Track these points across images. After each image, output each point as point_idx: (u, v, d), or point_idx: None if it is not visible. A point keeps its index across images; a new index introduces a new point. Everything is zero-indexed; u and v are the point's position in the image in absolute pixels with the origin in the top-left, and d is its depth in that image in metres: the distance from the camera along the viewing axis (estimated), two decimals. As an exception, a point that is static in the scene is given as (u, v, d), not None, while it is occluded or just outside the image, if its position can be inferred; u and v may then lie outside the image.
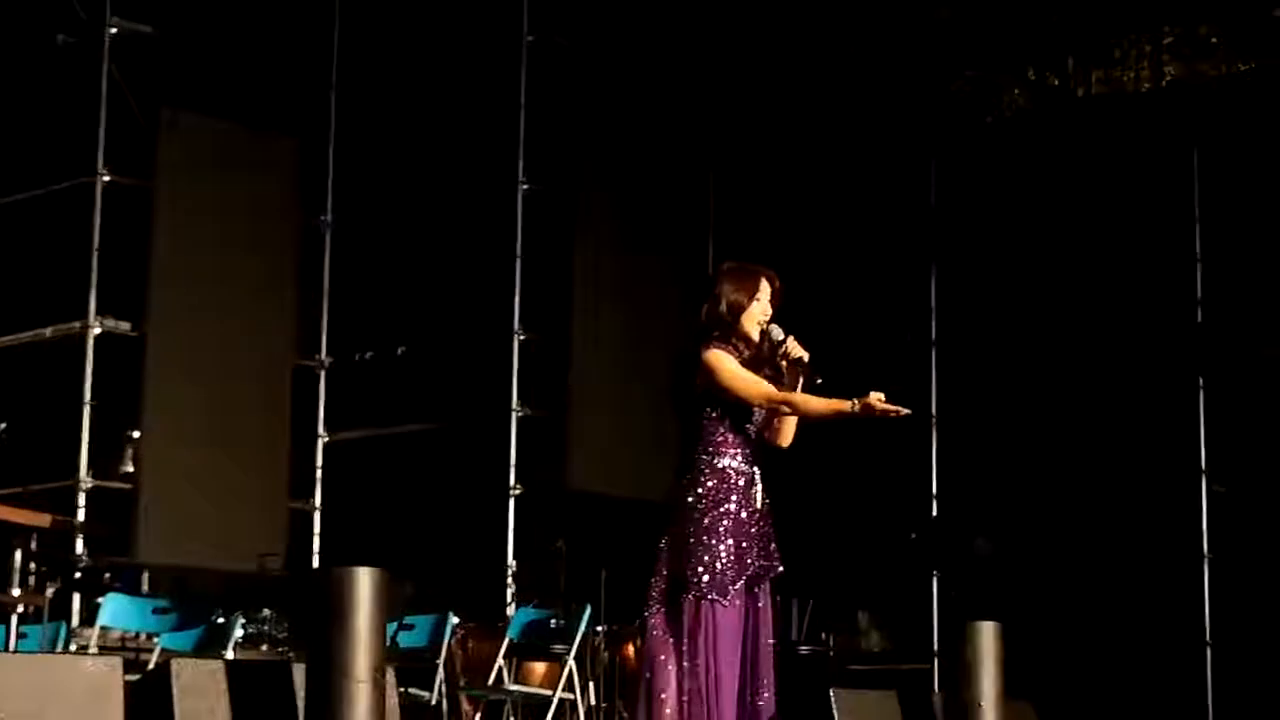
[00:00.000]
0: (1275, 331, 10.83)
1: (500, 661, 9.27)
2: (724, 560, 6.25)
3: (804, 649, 10.63)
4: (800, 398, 6.33)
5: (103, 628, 9.10)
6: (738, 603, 6.26)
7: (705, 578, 6.20)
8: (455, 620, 9.22)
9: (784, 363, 6.37)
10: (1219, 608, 10.79)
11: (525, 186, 11.35)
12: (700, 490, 6.30)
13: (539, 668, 9.48)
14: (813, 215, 12.25)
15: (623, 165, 11.59)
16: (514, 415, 11.13)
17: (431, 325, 11.82)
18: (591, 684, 9.28)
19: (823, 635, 10.85)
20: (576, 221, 11.34)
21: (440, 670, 9.01)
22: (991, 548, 11.57)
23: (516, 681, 9.36)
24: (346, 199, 11.69)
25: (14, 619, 8.26)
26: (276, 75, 11.39)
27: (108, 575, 9.83)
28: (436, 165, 11.84)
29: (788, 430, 6.48)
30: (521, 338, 11.22)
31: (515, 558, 10.88)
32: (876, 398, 6.26)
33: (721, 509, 6.28)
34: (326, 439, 11.59)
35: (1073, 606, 10.99)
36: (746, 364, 6.36)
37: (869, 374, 12.01)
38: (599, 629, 9.48)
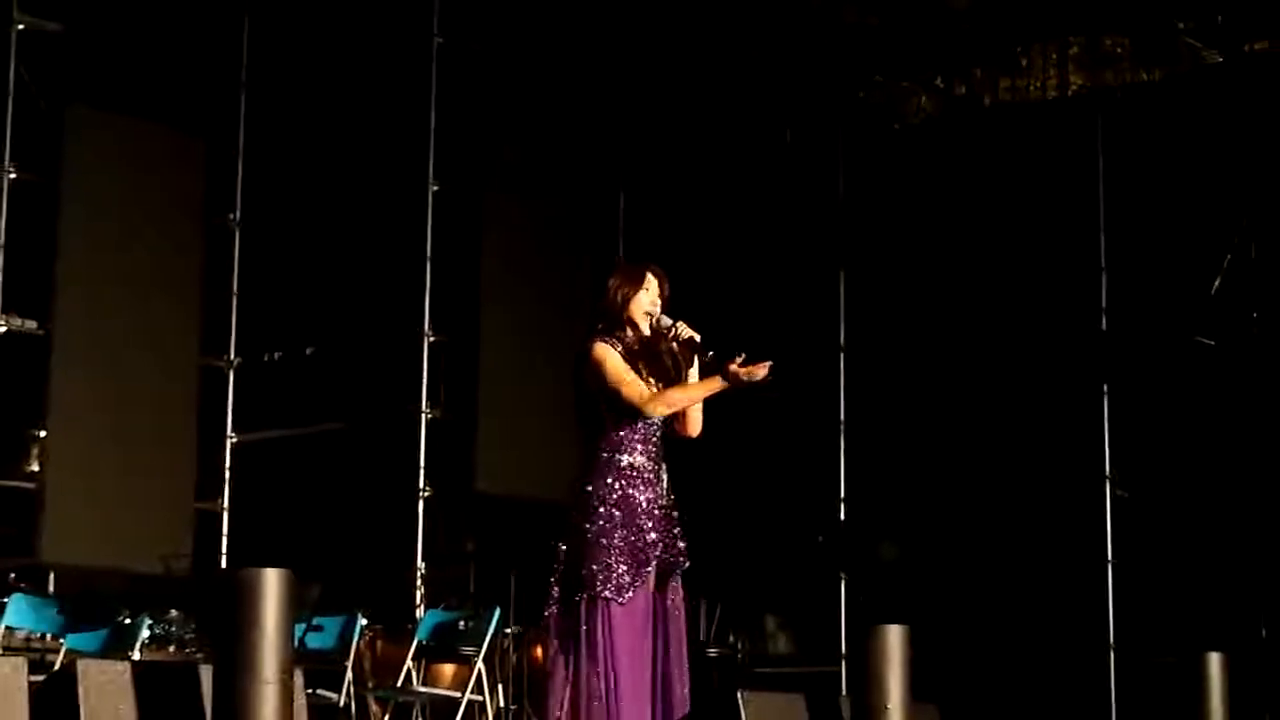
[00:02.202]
0: (1181, 337, 10.92)
1: (409, 663, 9.23)
2: (621, 559, 6.20)
3: (712, 651, 10.65)
4: (672, 394, 6.30)
5: (7, 628, 9.01)
6: (639, 602, 6.25)
7: (600, 577, 6.16)
8: (364, 622, 9.19)
9: (676, 345, 6.36)
10: (1122, 611, 10.87)
11: (435, 188, 11.31)
12: (599, 489, 6.25)
13: (448, 670, 9.45)
14: (722, 220, 12.27)
15: (532, 167, 11.58)
16: (423, 417, 11.11)
17: (340, 326, 11.79)
18: (500, 685, 9.25)
19: (730, 638, 10.87)
20: (486, 223, 11.33)
21: (348, 672, 8.97)
22: (898, 551, 11.63)
23: (425, 683, 9.34)
24: (255, 198, 11.62)
25: (-83, 620, 8.17)
26: (185, 74, 11.32)
27: (12, 575, 9.74)
28: (346, 165, 11.80)
29: (694, 420, 6.47)
30: (431, 339, 11.19)
31: (424, 560, 10.85)
32: (734, 366, 6.26)
33: (620, 508, 6.24)
34: (234, 439, 11.51)
35: (978, 610, 11.05)
36: (638, 353, 6.35)
37: (777, 377, 12.12)
38: (508, 630, 9.44)
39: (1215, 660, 7.12)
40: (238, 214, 11.54)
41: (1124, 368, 11.13)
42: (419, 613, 10.15)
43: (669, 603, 6.30)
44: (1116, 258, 11.26)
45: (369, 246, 11.68)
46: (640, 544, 6.24)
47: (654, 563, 6.24)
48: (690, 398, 6.35)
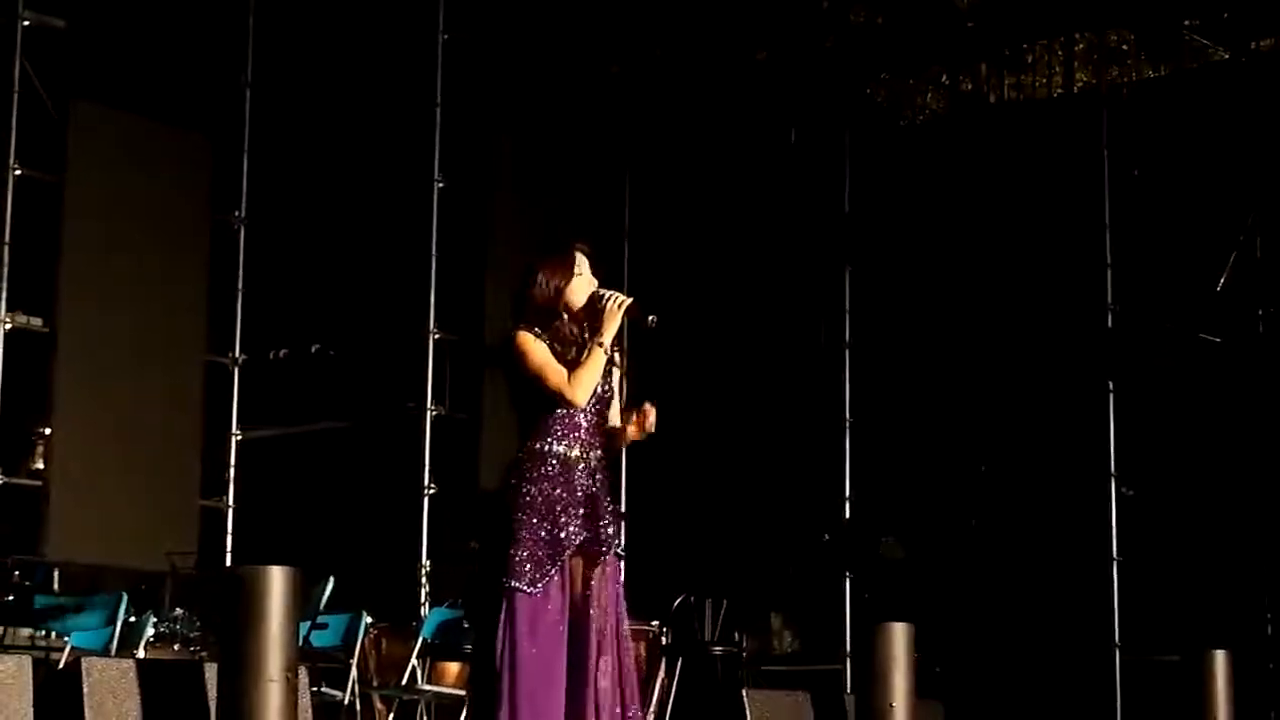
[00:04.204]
0: (1186, 334, 10.92)
1: (414, 661, 9.23)
2: (535, 548, 6.19)
3: (717, 649, 10.64)
4: (580, 375, 6.17)
5: (11, 626, 9.03)
6: (553, 592, 6.25)
7: (514, 566, 6.12)
8: (369, 620, 9.19)
9: (612, 305, 6.23)
10: (1127, 609, 10.87)
11: (440, 184, 11.33)
12: (521, 478, 6.19)
13: (452, 668, 9.45)
14: (728, 218, 12.28)
15: (539, 164, 11.58)
16: (428, 414, 11.12)
17: (346, 323, 11.80)
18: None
19: (735, 636, 10.86)
20: (492, 220, 11.33)
21: (353, 670, 8.98)
22: (903, 550, 11.63)
23: (430, 681, 9.34)
24: (261, 196, 11.63)
25: (-77, 618, 8.20)
26: (190, 71, 11.32)
27: (17, 573, 9.75)
28: (351, 163, 11.82)
29: (628, 433, 6.46)
30: (436, 337, 11.20)
31: (429, 558, 10.87)
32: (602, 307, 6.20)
33: (539, 496, 6.18)
34: (240, 437, 11.51)
35: (983, 608, 11.06)
36: (573, 341, 6.25)
37: (781, 377, 12.15)
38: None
39: (1220, 658, 7.14)
40: (243, 211, 11.55)
41: (1129, 365, 11.14)
42: (424, 610, 10.16)
43: (589, 588, 6.29)
44: (1122, 255, 11.27)
45: (374, 244, 11.70)
46: (553, 534, 6.19)
47: (569, 553, 6.16)
48: (593, 369, 6.21)
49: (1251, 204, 10.95)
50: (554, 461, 6.26)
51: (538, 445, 6.27)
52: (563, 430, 6.29)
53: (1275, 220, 10.89)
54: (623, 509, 6.52)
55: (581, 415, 6.28)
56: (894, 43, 12.22)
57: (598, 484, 6.33)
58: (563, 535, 6.22)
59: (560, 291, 6.30)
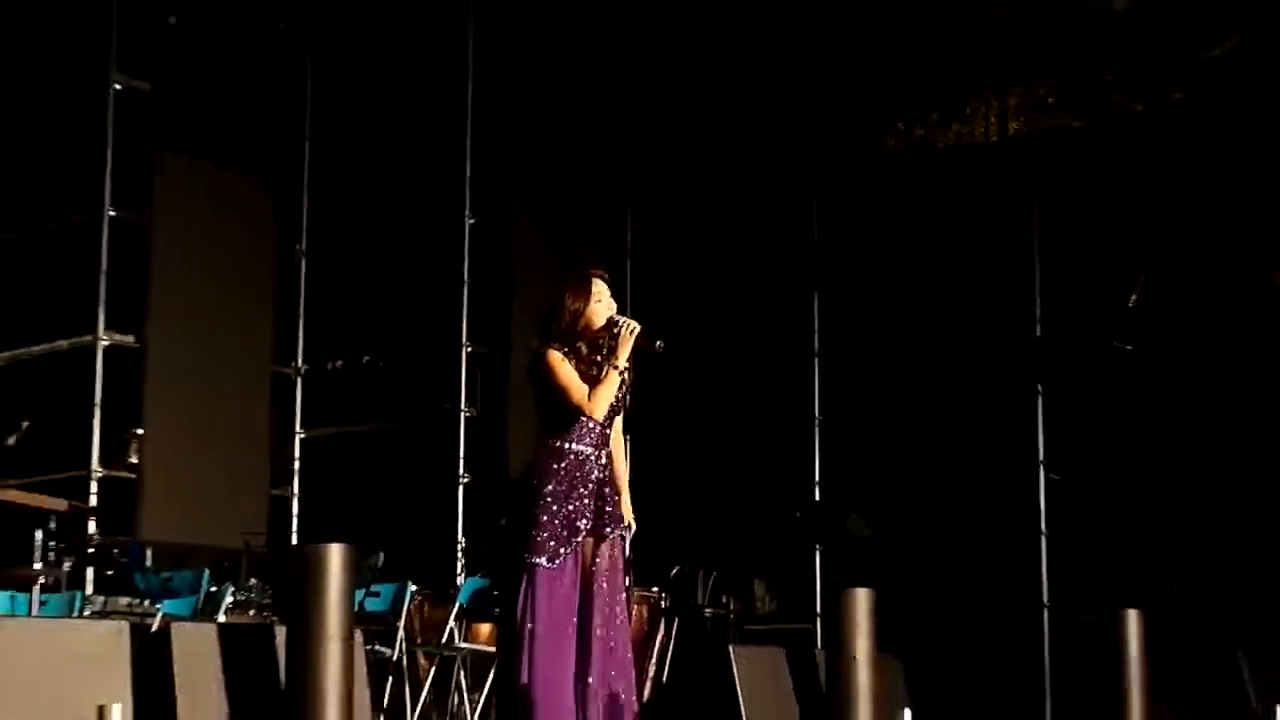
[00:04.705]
0: (1103, 343, 10.90)
1: (451, 623, 9.22)
2: (554, 529, 6.23)
3: (707, 611, 10.63)
4: (599, 393, 6.26)
5: (112, 596, 9.03)
6: (568, 566, 6.23)
7: (536, 545, 6.20)
8: (413, 589, 9.19)
9: (615, 339, 6.32)
10: (1055, 577, 10.87)
11: (471, 221, 11.35)
12: (547, 470, 6.28)
13: (484, 628, 9.44)
14: (715, 244, 12.27)
15: (553, 204, 11.59)
16: (462, 415, 11.12)
17: (392, 338, 11.79)
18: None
19: (723, 600, 10.85)
20: (514, 251, 11.33)
21: (400, 631, 8.97)
22: (866, 526, 11.61)
23: (465, 640, 9.33)
24: (319, 231, 11.65)
25: (36, 589, 8.18)
26: (258, 126, 11.34)
27: (116, 551, 9.74)
28: (395, 202, 11.82)
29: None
30: (468, 350, 11.21)
31: (464, 536, 10.86)
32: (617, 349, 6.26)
33: (558, 487, 6.26)
34: (303, 435, 11.51)
35: (934, 575, 11.05)
36: (591, 360, 6.31)
37: (761, 381, 12.14)
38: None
39: (1133, 616, 7.13)
40: (303, 244, 11.57)
41: (1055, 369, 11.13)
42: (460, 580, 10.16)
43: (595, 562, 6.28)
44: (1049, 277, 11.27)
45: (415, 271, 11.70)
46: (574, 517, 6.25)
47: (583, 531, 6.24)
48: (609, 387, 6.29)
49: (1158, 233, 10.92)
50: (571, 457, 6.30)
51: (558, 443, 6.30)
52: (580, 432, 6.32)
53: (1177, 247, 10.86)
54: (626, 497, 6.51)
55: (602, 420, 6.31)
56: (856, 93, 12.20)
57: (607, 474, 6.36)
58: (577, 520, 6.24)
59: (580, 313, 6.35)
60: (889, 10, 11.78)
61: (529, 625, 6.13)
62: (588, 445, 6.30)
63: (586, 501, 6.26)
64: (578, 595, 6.22)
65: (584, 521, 6.24)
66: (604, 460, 6.34)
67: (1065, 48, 11.49)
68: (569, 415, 6.28)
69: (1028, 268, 11.26)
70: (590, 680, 6.18)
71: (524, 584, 6.18)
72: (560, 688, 6.15)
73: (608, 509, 6.29)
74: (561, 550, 6.21)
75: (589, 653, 6.18)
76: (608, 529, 6.28)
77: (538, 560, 6.17)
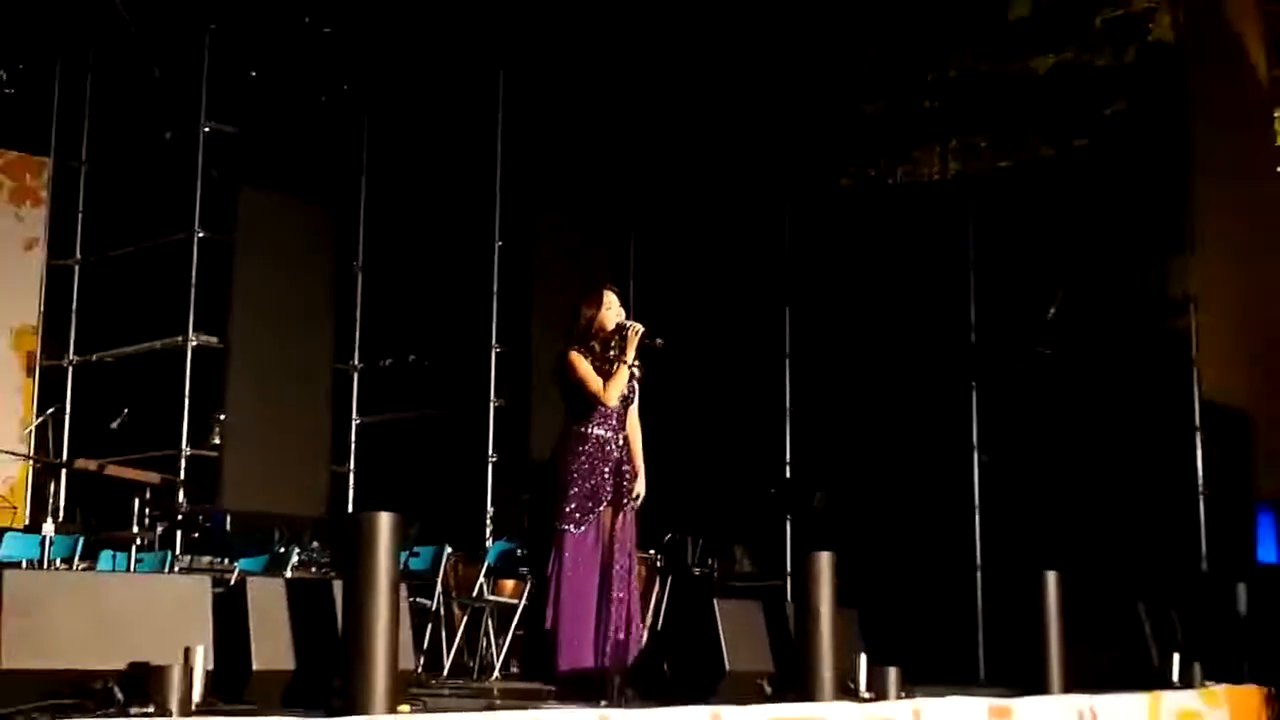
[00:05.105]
0: (1023, 349, 10.91)
1: (481, 580, 9.19)
2: (580, 500, 6.27)
3: (696, 571, 10.60)
4: (610, 386, 6.33)
5: (196, 555, 9.01)
6: (591, 532, 6.24)
7: (563, 513, 6.24)
8: (449, 550, 9.16)
9: (624, 338, 6.40)
10: (987, 545, 10.83)
11: (499, 243, 11.35)
12: (572, 452, 6.31)
13: (509, 584, 9.41)
14: (703, 266, 12.25)
15: (569, 229, 11.56)
16: (491, 405, 11.10)
17: (434, 340, 11.80)
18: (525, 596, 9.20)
19: (709, 561, 10.81)
20: (534, 269, 11.30)
21: (438, 586, 8.94)
22: (827, 500, 11.59)
23: (493, 593, 9.29)
24: (374, 251, 11.66)
25: (133, 549, 8.15)
26: (322, 162, 11.35)
27: (201, 518, 9.73)
28: (436, 226, 11.82)
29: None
30: (497, 350, 11.18)
31: (492, 506, 10.83)
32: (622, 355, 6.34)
33: (584, 464, 6.30)
34: (358, 421, 11.50)
35: (886, 541, 11.01)
36: (602, 357, 6.36)
37: (741, 378, 12.10)
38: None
39: (1052, 576, 7.08)
40: (360, 261, 11.56)
41: (986, 370, 11.11)
42: (488, 543, 10.12)
43: (614, 529, 6.29)
44: (982, 292, 11.23)
45: (452, 284, 11.69)
46: (596, 490, 6.28)
47: (604, 501, 6.28)
48: (619, 380, 6.36)
49: (1072, 256, 10.92)
50: (593, 440, 6.38)
51: (582, 428, 6.40)
52: (600, 418, 6.40)
53: (1088, 268, 10.85)
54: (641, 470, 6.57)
55: (615, 408, 6.40)
56: (817, 139, 12.21)
57: (623, 455, 6.43)
58: (598, 493, 6.30)
59: (594, 319, 6.50)
60: (848, 73, 11.86)
61: (556, 581, 6.22)
62: (607, 429, 6.40)
63: (606, 477, 6.35)
64: (599, 556, 6.30)
65: (604, 494, 6.32)
66: (621, 442, 6.42)
67: (995, 103, 11.51)
68: (589, 404, 6.39)
69: (964, 284, 11.22)
70: (608, 627, 6.22)
71: (553, 547, 6.27)
72: (582, 632, 6.22)
73: (624, 484, 6.38)
74: (586, 518, 6.28)
75: (608, 604, 6.23)
76: (624, 500, 6.37)
77: (565, 527, 6.28)
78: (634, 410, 6.55)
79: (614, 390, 6.34)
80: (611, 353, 6.39)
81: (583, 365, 6.36)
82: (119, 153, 11.21)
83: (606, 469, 6.33)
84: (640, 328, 6.37)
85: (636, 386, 6.52)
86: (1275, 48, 10.63)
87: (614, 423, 6.39)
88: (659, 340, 6.39)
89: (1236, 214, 10.33)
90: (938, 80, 11.86)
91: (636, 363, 6.45)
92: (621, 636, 6.21)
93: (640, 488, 6.47)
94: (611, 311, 6.46)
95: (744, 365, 12.04)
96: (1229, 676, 7.74)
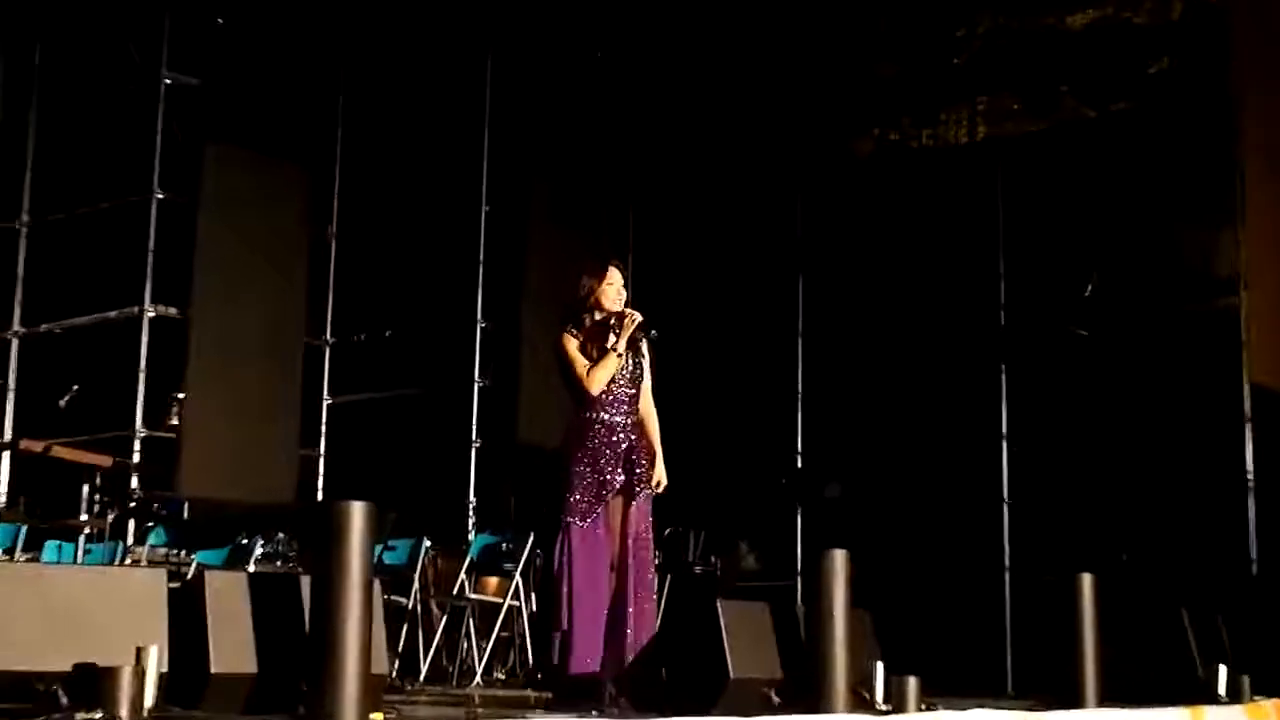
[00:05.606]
0: (1057, 330, 10.88)
1: (462, 576, 9.17)
2: (585, 491, 6.35)
3: (697, 569, 10.58)
4: (596, 372, 6.41)
5: (151, 546, 8.98)
6: (599, 524, 6.31)
7: (569, 504, 6.33)
8: (428, 543, 9.13)
9: (620, 326, 6.49)
10: (1015, 541, 10.79)
11: (487, 209, 11.30)
12: (577, 440, 6.40)
13: (493, 581, 9.38)
14: (708, 237, 12.21)
15: (562, 196, 11.51)
16: (475, 385, 11.08)
17: (413, 313, 11.77)
18: (533, 594, 9.17)
19: (711, 559, 10.79)
20: (526, 237, 11.26)
21: (415, 582, 8.91)
22: (842, 492, 11.57)
23: (475, 591, 9.27)
24: (349, 215, 11.62)
25: (81, 539, 8.12)
26: (294, 118, 11.30)
27: (156, 505, 9.69)
28: (418, 190, 11.78)
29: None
30: (482, 326, 11.16)
31: (475, 495, 10.82)
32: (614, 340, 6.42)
33: (590, 452, 6.38)
34: (330, 401, 11.48)
35: (904, 538, 10.99)
36: (595, 334, 6.47)
37: (749, 359, 12.08)
38: (539, 551, 9.39)
39: (1087, 579, 7.04)
40: (334, 227, 11.53)
41: (1017, 353, 11.07)
42: (470, 536, 10.10)
43: (626, 518, 6.35)
44: (1012, 268, 11.18)
45: (435, 253, 11.66)
46: (603, 480, 6.36)
47: (610, 490, 6.34)
48: (607, 368, 6.43)
49: (1111, 227, 10.87)
50: (599, 426, 6.47)
51: (588, 414, 6.54)
52: (607, 401, 6.49)
53: (1127, 240, 10.81)
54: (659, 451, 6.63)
55: (622, 390, 6.51)
56: (838, 102, 12.16)
57: (633, 440, 6.53)
58: (606, 481, 6.38)
59: (593, 291, 6.61)
60: (866, 32, 11.81)
61: (568, 578, 6.25)
62: (614, 414, 6.50)
63: (615, 465, 6.42)
64: (610, 548, 6.36)
65: (613, 484, 6.38)
66: (630, 425, 6.47)
67: (1027, 61, 11.46)
68: (585, 388, 6.43)
69: (993, 258, 11.16)
70: (622, 625, 6.30)
71: (560, 540, 6.38)
72: (594, 630, 6.30)
73: (636, 471, 6.43)
74: (592, 509, 6.35)
75: (622, 599, 6.30)
76: (636, 489, 6.41)
77: (571, 519, 6.34)
78: (647, 391, 6.65)
79: (599, 377, 6.42)
80: (605, 338, 6.46)
81: (571, 348, 6.49)
82: (71, 106, 11.16)
83: (614, 455, 6.38)
84: (638, 317, 6.48)
85: (646, 365, 6.61)
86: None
87: (624, 406, 6.48)
88: (653, 332, 6.53)
89: (1290, 184, 10.30)
90: (966, 36, 11.81)
91: (644, 339, 6.56)
92: (627, 631, 6.25)
93: (660, 475, 6.54)
94: (614, 287, 6.55)
95: (753, 344, 12.00)
96: (1280, 690, 7.71)
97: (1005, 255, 11.18)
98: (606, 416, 6.43)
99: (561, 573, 6.31)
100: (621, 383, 6.49)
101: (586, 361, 6.44)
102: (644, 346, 6.59)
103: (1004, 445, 10.93)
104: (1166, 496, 10.16)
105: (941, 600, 10.63)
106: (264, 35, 11.32)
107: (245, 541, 8.77)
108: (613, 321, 6.51)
